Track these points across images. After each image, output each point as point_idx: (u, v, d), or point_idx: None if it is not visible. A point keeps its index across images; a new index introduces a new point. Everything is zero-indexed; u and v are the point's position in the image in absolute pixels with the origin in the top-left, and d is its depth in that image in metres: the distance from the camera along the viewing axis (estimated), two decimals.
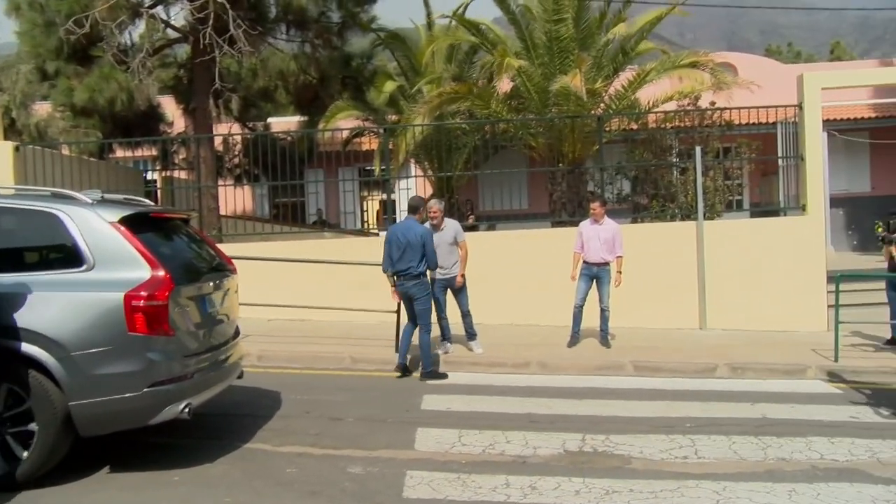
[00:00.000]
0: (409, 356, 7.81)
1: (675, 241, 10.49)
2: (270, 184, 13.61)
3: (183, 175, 17.17)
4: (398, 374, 7.71)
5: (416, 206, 7.90)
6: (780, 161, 11.65)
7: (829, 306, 9.80)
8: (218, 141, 16.21)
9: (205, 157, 13.31)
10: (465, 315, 8.57)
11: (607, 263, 8.87)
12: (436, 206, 8.33)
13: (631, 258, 9.08)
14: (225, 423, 5.82)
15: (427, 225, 7.97)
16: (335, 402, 6.61)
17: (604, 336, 9.03)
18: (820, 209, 10.59)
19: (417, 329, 7.68)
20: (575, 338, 8.98)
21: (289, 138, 15.63)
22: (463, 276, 8.43)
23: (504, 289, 10.17)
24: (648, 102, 13.23)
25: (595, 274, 8.88)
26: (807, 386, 7.56)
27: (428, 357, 7.59)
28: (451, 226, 8.51)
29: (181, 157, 17.85)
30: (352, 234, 14.51)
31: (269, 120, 19.33)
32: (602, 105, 13.21)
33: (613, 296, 8.93)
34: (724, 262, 10.27)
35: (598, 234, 8.85)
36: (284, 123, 18.64)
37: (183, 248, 5.42)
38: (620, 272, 8.86)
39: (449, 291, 8.49)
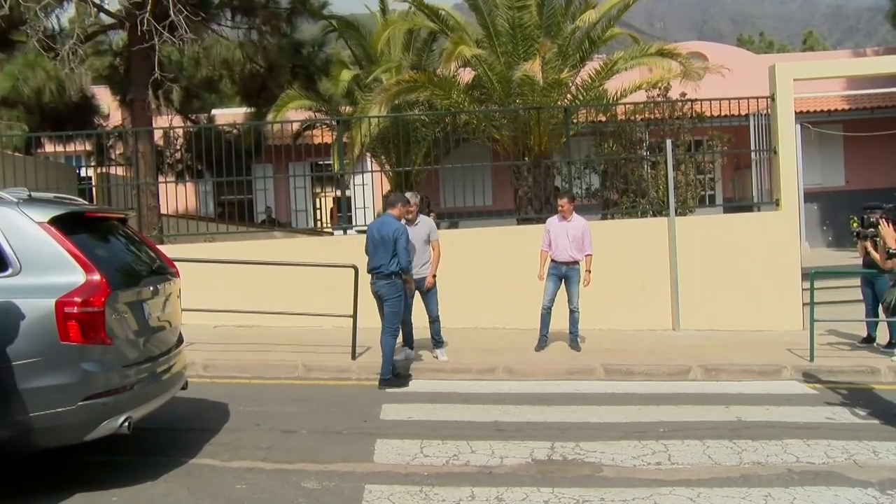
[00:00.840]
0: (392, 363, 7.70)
1: (646, 238, 10.65)
2: (215, 180, 13.46)
3: (120, 171, 16.82)
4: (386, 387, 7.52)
5: (393, 202, 7.86)
6: (752, 154, 11.90)
7: (804, 304, 10.05)
8: (158, 134, 15.95)
9: (144, 151, 13.07)
10: (434, 321, 8.54)
11: (576, 262, 8.94)
12: (412, 199, 8.32)
13: (601, 256, 9.18)
14: (169, 437, 5.73)
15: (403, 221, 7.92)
16: (287, 414, 6.55)
17: (573, 339, 9.12)
18: (794, 204, 10.85)
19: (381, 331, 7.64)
20: (543, 341, 9.04)
21: (235, 131, 15.45)
22: (434, 277, 8.44)
23: (468, 290, 10.19)
24: (617, 93, 13.40)
25: (564, 273, 8.95)
26: (782, 387, 7.75)
27: (388, 363, 7.57)
28: (425, 222, 8.52)
29: (118, 152, 17.49)
30: (304, 233, 14.40)
31: (214, 112, 19.09)
32: (569, 96, 13.33)
33: (583, 296, 9.02)
34: (696, 260, 10.46)
35: (567, 232, 8.91)
36: (230, 115, 18.42)
37: (120, 250, 5.32)
38: (590, 271, 8.94)
39: (417, 294, 8.43)
